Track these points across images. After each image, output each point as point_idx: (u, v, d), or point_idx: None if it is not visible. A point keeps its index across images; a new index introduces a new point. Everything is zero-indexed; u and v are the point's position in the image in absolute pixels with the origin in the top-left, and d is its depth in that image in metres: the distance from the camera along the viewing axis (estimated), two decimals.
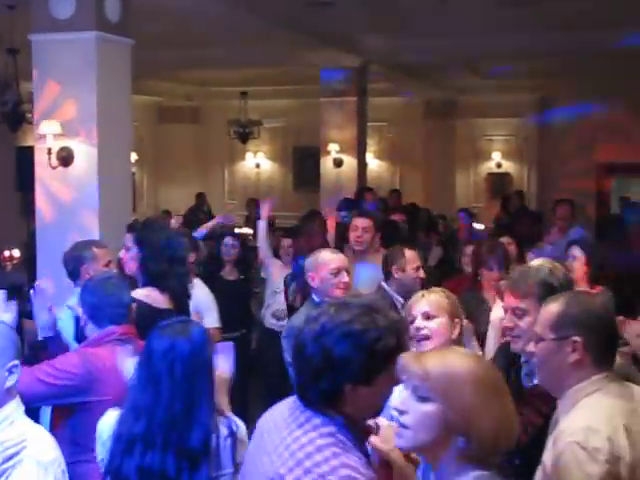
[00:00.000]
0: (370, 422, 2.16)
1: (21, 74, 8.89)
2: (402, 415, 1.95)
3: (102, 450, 2.94)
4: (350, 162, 11.91)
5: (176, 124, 17.09)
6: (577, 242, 5.70)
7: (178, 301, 4.22)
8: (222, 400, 3.03)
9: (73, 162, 6.51)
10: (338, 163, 11.90)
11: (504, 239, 6.27)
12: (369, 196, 9.73)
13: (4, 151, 11.05)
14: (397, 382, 2.04)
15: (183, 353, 2.84)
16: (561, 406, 2.47)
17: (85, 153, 6.49)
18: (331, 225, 7.57)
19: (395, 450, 2.09)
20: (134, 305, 3.67)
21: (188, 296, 4.42)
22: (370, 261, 5.67)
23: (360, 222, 5.93)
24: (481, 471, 1.89)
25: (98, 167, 6.47)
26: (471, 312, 4.30)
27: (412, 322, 3.31)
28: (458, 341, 3.37)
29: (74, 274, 4.64)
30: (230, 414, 3.03)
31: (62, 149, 6.48)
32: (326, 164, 12.04)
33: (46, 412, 3.72)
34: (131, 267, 4.53)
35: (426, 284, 4.91)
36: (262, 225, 7.09)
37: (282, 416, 2.17)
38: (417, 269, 4.93)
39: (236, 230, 13.26)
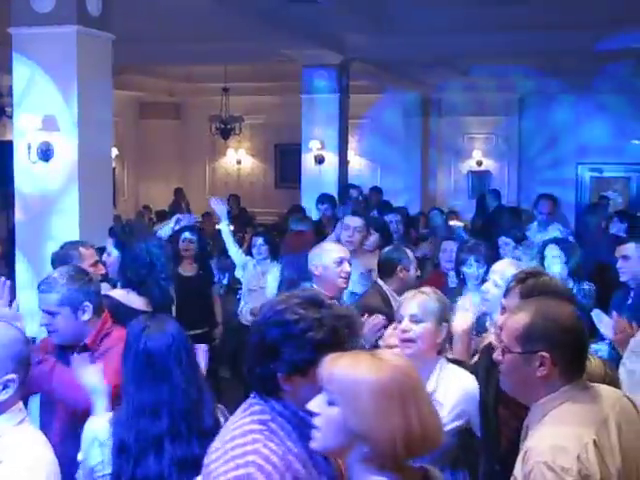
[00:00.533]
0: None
1: (1, 68, 8.83)
2: (314, 417, 1.97)
3: (97, 453, 2.94)
4: (331, 159, 11.91)
5: (157, 120, 17.05)
6: (557, 241, 5.75)
7: (157, 307, 4.19)
8: None
9: (53, 157, 6.47)
10: (319, 160, 11.90)
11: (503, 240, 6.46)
12: (355, 194, 9.70)
13: None
14: None
15: (182, 341, 2.98)
16: (531, 415, 2.42)
17: (65, 148, 6.45)
18: None
19: None
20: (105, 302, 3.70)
21: (171, 301, 4.41)
22: (360, 261, 5.69)
23: (352, 221, 5.94)
24: (382, 477, 1.88)
25: (78, 162, 6.44)
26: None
27: (400, 321, 3.32)
28: (443, 344, 3.36)
29: None
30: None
31: (42, 144, 6.44)
32: (307, 161, 12.03)
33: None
34: (113, 271, 4.56)
35: None
36: (224, 229, 7.12)
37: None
38: (416, 269, 5.10)
39: (216, 226, 13.28)
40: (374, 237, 6.39)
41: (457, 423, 3.24)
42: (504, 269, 3.98)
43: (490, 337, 4.06)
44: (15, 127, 6.62)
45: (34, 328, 3.84)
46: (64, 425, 3.42)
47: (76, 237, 6.15)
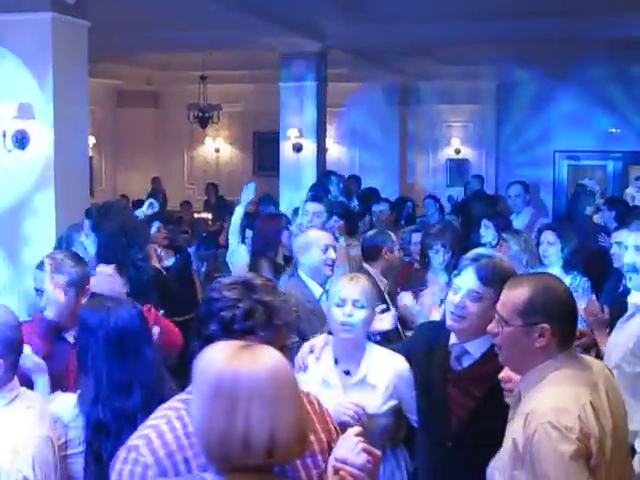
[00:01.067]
0: None
1: None
2: None
3: (64, 432, 2.94)
4: (310, 147, 11.90)
5: (135, 108, 16.94)
6: (551, 227, 5.77)
7: (134, 287, 4.20)
8: None
9: (29, 145, 6.44)
10: (298, 148, 11.89)
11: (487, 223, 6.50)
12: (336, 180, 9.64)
13: None
14: None
15: (142, 317, 3.06)
16: (524, 383, 2.54)
17: (41, 136, 6.42)
18: None
19: None
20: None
21: (148, 282, 4.42)
22: None
23: (312, 207, 5.94)
24: (215, 475, 1.84)
25: (54, 150, 6.41)
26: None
27: (340, 306, 3.36)
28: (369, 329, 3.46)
29: None
30: None
31: (17, 132, 6.40)
32: (285, 149, 12.02)
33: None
34: (91, 252, 4.56)
35: None
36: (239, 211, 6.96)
37: None
38: (399, 251, 5.36)
39: (195, 215, 13.29)
40: (338, 223, 6.46)
41: (392, 403, 3.32)
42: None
43: (435, 315, 4.14)
44: None
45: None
46: None
47: (52, 226, 6.15)
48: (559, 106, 15.52)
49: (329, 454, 2.10)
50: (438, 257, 5.41)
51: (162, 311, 6.20)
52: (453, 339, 3.13)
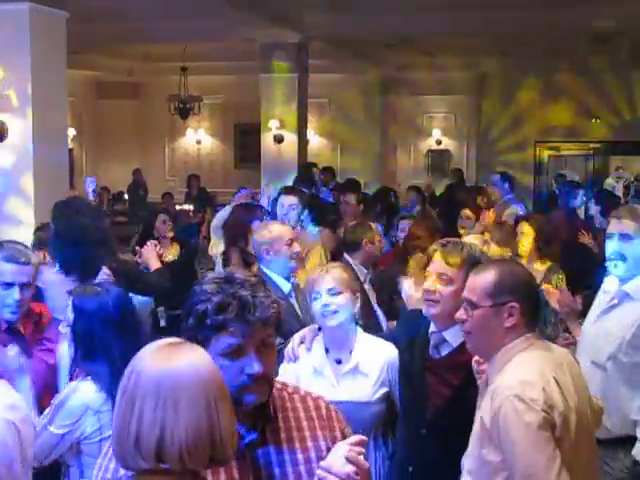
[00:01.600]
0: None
1: None
2: None
3: (93, 421, 3.03)
4: (291, 138, 11.89)
5: (115, 100, 16.87)
6: (525, 218, 5.80)
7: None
8: None
9: (7, 137, 6.40)
10: (279, 139, 11.88)
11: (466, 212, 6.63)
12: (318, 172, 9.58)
13: None
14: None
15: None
16: (491, 367, 2.59)
17: (19, 127, 6.38)
18: None
19: None
20: None
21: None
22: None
23: (287, 199, 5.93)
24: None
25: (33, 141, 6.38)
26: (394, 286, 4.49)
27: (316, 298, 3.38)
28: (357, 314, 3.46)
29: None
30: None
31: None
32: (266, 140, 12.00)
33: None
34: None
35: None
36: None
37: None
38: (380, 241, 5.41)
39: (177, 207, 13.24)
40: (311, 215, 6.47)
41: (383, 390, 3.35)
42: None
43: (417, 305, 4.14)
44: None
45: None
46: None
47: (31, 217, 6.11)
48: (540, 97, 15.60)
49: None
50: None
51: (162, 308, 6.28)
52: (432, 327, 3.17)
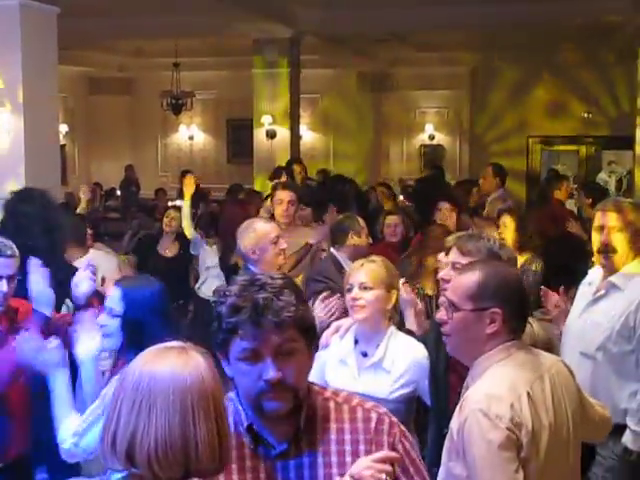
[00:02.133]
0: None
1: None
2: None
3: None
4: (283, 134, 11.90)
5: (108, 96, 16.83)
6: (507, 210, 5.80)
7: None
8: None
9: None
10: (271, 135, 11.88)
11: (444, 205, 6.50)
12: (298, 168, 9.52)
13: None
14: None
15: None
16: (471, 374, 2.47)
17: (11, 124, 6.36)
18: None
19: None
20: None
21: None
22: (295, 234, 5.69)
23: (285, 195, 5.91)
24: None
25: (24, 138, 6.36)
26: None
27: (350, 290, 3.39)
28: (392, 312, 3.44)
29: None
30: None
31: None
32: (259, 136, 12.01)
33: None
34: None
35: None
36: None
37: None
38: (367, 236, 5.27)
39: (169, 203, 13.20)
40: (307, 211, 6.50)
41: (403, 391, 3.32)
42: None
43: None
44: None
45: None
46: None
47: None
48: (533, 91, 15.60)
49: None
50: None
51: None
52: None
